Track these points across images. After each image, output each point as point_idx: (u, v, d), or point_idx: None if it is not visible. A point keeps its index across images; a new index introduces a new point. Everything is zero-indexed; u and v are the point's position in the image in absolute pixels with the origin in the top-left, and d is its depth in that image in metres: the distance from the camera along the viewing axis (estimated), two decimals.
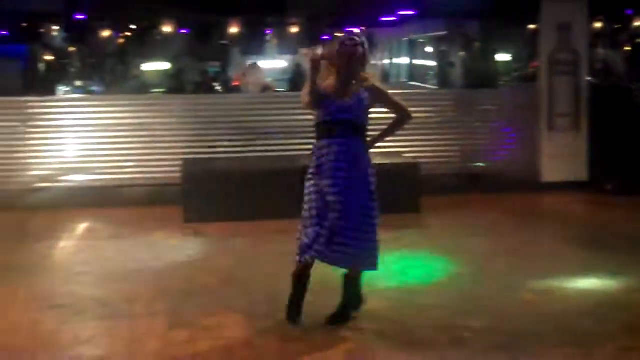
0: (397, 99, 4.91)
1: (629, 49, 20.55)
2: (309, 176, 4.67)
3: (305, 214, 4.63)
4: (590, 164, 9.27)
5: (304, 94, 4.65)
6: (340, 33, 23.70)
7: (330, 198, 4.54)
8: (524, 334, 4.58)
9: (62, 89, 16.77)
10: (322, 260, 4.63)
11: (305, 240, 4.58)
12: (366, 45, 4.69)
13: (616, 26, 19.47)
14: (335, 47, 4.66)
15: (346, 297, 4.77)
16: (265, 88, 13.21)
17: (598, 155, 9.22)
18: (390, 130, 4.99)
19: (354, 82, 4.65)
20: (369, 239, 4.64)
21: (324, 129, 4.67)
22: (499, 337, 4.52)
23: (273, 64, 21.72)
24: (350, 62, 4.61)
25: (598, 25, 18.37)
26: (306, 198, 4.64)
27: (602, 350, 4.31)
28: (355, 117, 4.65)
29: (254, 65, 15.50)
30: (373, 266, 4.73)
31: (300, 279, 4.68)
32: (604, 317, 4.86)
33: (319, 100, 4.60)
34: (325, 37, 23.17)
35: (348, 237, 4.56)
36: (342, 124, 4.62)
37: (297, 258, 4.64)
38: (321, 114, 4.67)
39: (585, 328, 4.66)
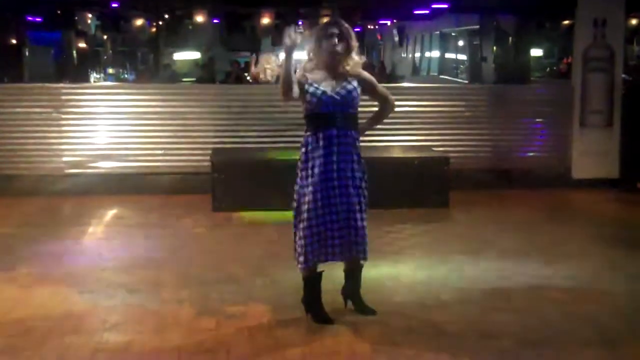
0: (383, 89, 4.84)
1: None
2: (307, 171, 4.52)
3: (308, 214, 4.46)
4: (622, 161, 9.16)
5: (280, 85, 4.47)
6: (373, 25, 23.64)
7: (341, 191, 4.49)
8: (552, 331, 4.54)
9: (94, 76, 16.95)
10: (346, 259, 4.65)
11: (317, 243, 4.49)
12: (350, 33, 4.55)
13: None
14: (314, 39, 4.57)
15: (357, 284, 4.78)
16: (266, 79, 13.29)
17: (630, 153, 9.11)
18: (376, 120, 4.91)
19: (340, 72, 4.56)
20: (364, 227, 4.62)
21: (321, 121, 4.54)
22: (527, 333, 4.49)
23: (303, 55, 21.64)
24: (333, 59, 4.54)
25: (634, 21, 18.09)
26: (309, 197, 4.47)
27: (630, 351, 4.26)
28: (348, 108, 4.56)
29: (264, 56, 15.63)
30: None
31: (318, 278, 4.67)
32: (633, 318, 4.80)
33: (291, 89, 4.42)
34: (357, 29, 23.13)
35: (359, 228, 4.54)
36: (337, 115, 4.53)
37: (304, 264, 4.54)
38: (315, 105, 4.52)
39: (613, 328, 4.61)
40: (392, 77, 19.80)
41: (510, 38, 15.71)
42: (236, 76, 16.10)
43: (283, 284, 5.35)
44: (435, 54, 20.43)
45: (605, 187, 9.08)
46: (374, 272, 5.32)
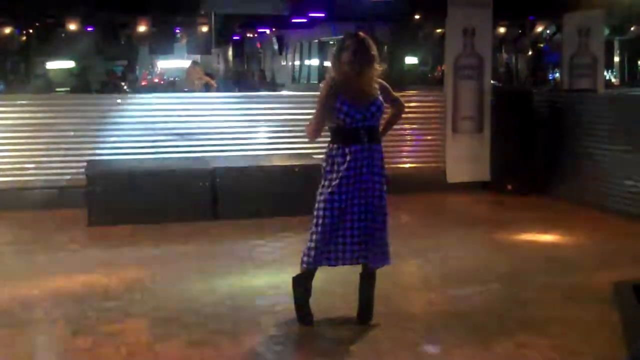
0: (396, 93, 4.89)
1: (531, 54, 21.30)
2: (336, 182, 4.63)
3: (327, 220, 4.67)
4: (493, 165, 9.56)
5: (310, 126, 4.61)
6: (252, 33, 23.63)
7: (375, 202, 4.60)
8: (427, 331, 4.68)
9: None
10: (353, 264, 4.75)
11: (327, 247, 4.64)
12: (368, 44, 4.56)
13: (519, 32, 20.10)
14: (342, 55, 4.52)
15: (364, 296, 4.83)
16: (207, 84, 13.60)
17: (500, 156, 9.51)
18: (390, 125, 4.97)
19: (372, 86, 4.59)
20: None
21: (350, 135, 4.54)
22: (404, 334, 4.60)
23: (182, 63, 21.46)
24: (367, 71, 4.54)
25: (502, 30, 18.91)
26: (330, 205, 4.69)
27: (500, 347, 4.44)
28: (377, 123, 4.64)
29: (196, 63, 15.59)
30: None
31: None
32: (503, 315, 5.00)
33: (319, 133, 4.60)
34: (236, 37, 23.07)
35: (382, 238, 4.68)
36: (367, 130, 4.56)
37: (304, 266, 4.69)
38: (346, 119, 4.50)
39: (485, 325, 4.78)
40: (272, 85, 19.87)
41: (385, 46, 16.10)
42: (113, 85, 15.71)
43: (161, 299, 5.27)
44: (315, 62, 20.67)
45: (478, 190, 9.45)
46: (255, 281, 5.31)
